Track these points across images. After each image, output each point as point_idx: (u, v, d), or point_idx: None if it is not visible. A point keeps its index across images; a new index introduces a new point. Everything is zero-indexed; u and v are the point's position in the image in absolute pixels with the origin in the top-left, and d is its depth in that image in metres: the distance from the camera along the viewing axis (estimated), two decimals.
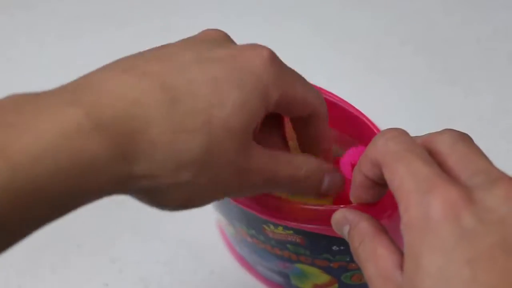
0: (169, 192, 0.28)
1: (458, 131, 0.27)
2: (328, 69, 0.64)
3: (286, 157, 0.32)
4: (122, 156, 0.25)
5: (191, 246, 0.50)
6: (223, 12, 0.72)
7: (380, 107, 0.59)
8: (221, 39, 0.32)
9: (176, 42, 0.31)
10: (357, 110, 0.39)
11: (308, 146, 0.36)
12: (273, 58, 0.30)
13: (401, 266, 0.25)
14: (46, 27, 0.71)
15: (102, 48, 0.68)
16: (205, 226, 0.50)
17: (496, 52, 0.65)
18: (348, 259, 0.38)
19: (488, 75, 0.63)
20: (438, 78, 0.63)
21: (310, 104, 0.33)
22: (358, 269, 0.39)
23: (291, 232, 0.36)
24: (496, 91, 0.61)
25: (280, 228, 0.36)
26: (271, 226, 0.36)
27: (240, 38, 0.77)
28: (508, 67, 0.64)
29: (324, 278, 0.41)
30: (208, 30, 0.32)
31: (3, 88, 0.71)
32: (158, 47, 0.30)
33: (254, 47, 0.31)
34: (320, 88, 0.39)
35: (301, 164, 0.32)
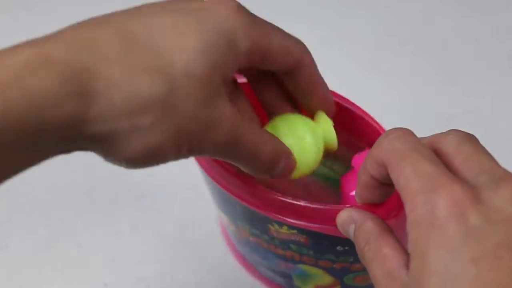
0: (128, 140, 0.26)
1: (464, 132, 0.27)
2: (328, 69, 0.64)
3: (254, 128, 0.30)
4: (77, 93, 0.24)
5: (191, 246, 0.50)
6: None
7: (380, 107, 0.59)
8: None
9: None
10: (363, 111, 0.39)
11: (304, 99, 0.34)
12: (241, 8, 0.29)
13: (407, 266, 0.25)
14: (46, 27, 0.71)
15: None
16: (206, 226, 0.50)
17: (496, 52, 0.65)
18: (351, 260, 0.38)
19: (487, 75, 0.63)
20: (438, 78, 0.63)
21: (290, 53, 0.31)
22: (361, 271, 0.39)
23: (295, 231, 0.36)
24: (496, 91, 0.61)
25: (285, 227, 0.36)
26: (276, 225, 0.36)
27: None
28: (507, 67, 0.64)
29: (327, 279, 0.41)
30: None
31: None
32: None
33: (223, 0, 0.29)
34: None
35: (268, 140, 0.31)
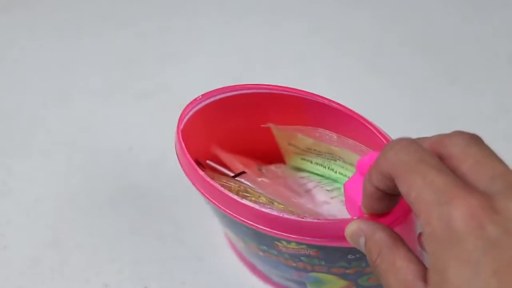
0: None
1: (468, 133, 0.27)
2: (328, 69, 0.64)
3: None
4: None
5: (191, 247, 0.49)
6: (223, 12, 0.72)
7: (380, 107, 0.59)
8: None
9: None
10: (361, 116, 0.38)
11: None
12: None
13: (422, 277, 0.25)
14: (46, 27, 0.71)
15: (102, 48, 0.68)
16: (207, 227, 0.50)
17: (496, 52, 0.65)
18: (364, 265, 0.37)
19: (488, 75, 0.63)
20: (438, 78, 0.63)
21: None
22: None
23: (304, 246, 0.35)
24: (496, 91, 0.61)
25: (293, 244, 0.35)
26: (284, 242, 0.36)
27: (240, 38, 0.77)
28: (508, 67, 0.64)
29: (341, 283, 0.40)
30: None
31: (2, 88, 0.71)
32: None
33: None
34: (321, 96, 0.38)
35: None
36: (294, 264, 0.39)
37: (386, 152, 0.27)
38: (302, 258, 0.37)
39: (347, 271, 0.38)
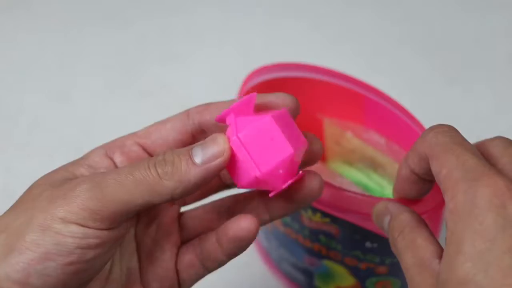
0: None
1: (509, 139, 0.28)
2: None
3: (119, 172, 0.29)
4: None
5: None
6: (223, 12, 0.72)
7: None
8: None
9: None
10: (402, 109, 0.38)
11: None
12: None
13: (439, 256, 0.26)
14: (46, 27, 0.71)
15: (102, 48, 0.68)
16: None
17: (495, 52, 0.65)
18: (377, 261, 0.38)
19: (487, 75, 0.63)
20: (437, 78, 0.63)
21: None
22: (384, 275, 0.39)
23: (328, 220, 0.36)
24: (496, 91, 0.61)
25: (318, 215, 0.36)
26: (309, 212, 0.36)
27: (240, 37, 0.77)
28: (507, 67, 0.64)
29: (349, 280, 0.40)
30: None
31: (3, 88, 0.71)
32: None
33: None
34: (386, 97, 0.39)
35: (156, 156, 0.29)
36: (310, 245, 0.39)
37: (426, 134, 0.28)
38: (320, 237, 0.37)
39: (359, 265, 0.38)
